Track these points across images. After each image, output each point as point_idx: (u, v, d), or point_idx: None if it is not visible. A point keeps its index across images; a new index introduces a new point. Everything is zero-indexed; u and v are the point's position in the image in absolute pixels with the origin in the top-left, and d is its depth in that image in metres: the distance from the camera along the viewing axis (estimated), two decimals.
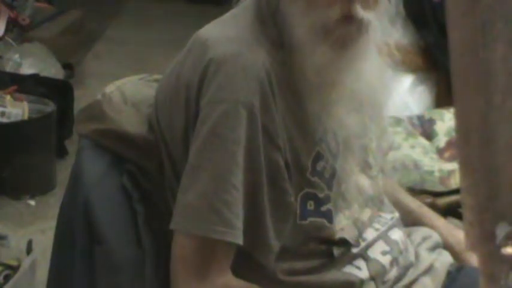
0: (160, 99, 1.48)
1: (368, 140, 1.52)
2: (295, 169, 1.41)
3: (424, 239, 1.61)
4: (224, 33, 1.43)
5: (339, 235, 1.45)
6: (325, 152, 1.43)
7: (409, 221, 1.66)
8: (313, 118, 1.41)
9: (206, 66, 1.37)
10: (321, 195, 1.43)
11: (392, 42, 1.51)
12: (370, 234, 1.51)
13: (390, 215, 1.57)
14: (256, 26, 1.42)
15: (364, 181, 1.51)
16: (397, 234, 1.55)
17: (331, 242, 1.45)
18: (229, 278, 1.39)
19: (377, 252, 1.50)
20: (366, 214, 1.50)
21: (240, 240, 1.36)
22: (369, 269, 1.48)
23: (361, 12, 1.36)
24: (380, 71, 1.47)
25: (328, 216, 1.44)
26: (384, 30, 1.44)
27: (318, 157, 1.43)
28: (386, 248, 1.51)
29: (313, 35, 1.37)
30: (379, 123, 1.55)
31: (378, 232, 1.52)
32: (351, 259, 1.48)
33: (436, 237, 1.64)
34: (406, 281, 1.52)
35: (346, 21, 1.36)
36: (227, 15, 1.49)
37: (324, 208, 1.44)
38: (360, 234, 1.49)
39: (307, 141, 1.42)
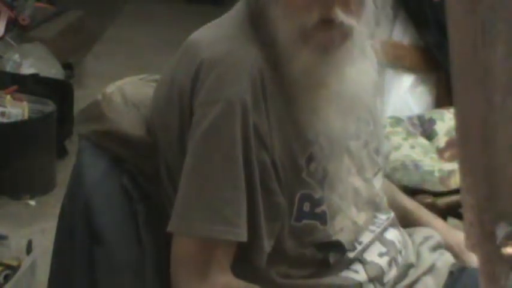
0: (156, 102, 1.48)
1: (361, 142, 1.51)
2: (291, 169, 1.41)
3: (426, 238, 1.61)
4: (215, 35, 1.43)
5: (336, 237, 1.45)
6: (318, 153, 1.43)
7: (408, 222, 1.66)
8: (304, 119, 1.41)
9: (198, 67, 1.37)
10: (316, 196, 1.43)
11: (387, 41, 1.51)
12: (366, 237, 1.51)
13: (385, 216, 1.56)
14: (247, 27, 1.42)
15: (359, 183, 1.50)
16: (393, 234, 1.55)
17: (326, 246, 1.45)
18: (229, 278, 1.40)
19: (374, 255, 1.50)
20: (362, 218, 1.50)
21: (243, 238, 1.36)
22: (366, 272, 1.48)
23: (341, 16, 1.35)
24: (368, 74, 1.46)
25: (322, 218, 1.44)
26: (370, 34, 1.44)
27: (311, 158, 1.42)
28: (383, 250, 1.51)
29: (294, 39, 1.36)
30: (374, 125, 1.55)
31: (373, 234, 1.52)
32: (347, 264, 1.47)
33: (437, 237, 1.63)
34: (407, 281, 1.52)
35: (325, 25, 1.35)
36: (219, 18, 1.49)
37: (318, 210, 1.43)
38: (357, 238, 1.49)
39: (302, 141, 1.42)
